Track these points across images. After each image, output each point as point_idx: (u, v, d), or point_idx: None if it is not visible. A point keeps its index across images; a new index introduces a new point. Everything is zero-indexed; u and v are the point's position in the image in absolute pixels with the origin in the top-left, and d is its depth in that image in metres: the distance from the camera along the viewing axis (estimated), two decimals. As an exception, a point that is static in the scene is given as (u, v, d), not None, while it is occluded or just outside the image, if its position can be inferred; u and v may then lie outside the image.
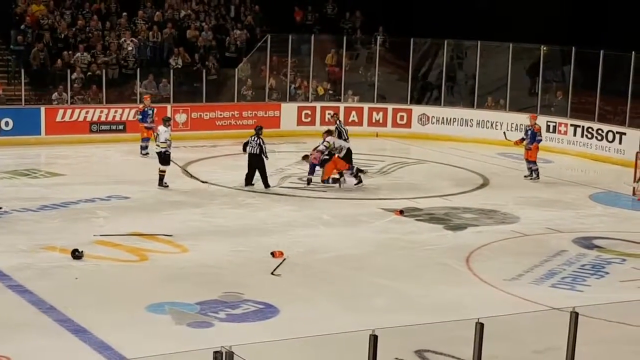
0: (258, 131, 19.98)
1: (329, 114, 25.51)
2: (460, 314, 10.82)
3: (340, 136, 21.25)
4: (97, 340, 10.87)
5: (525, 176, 22.09)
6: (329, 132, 21.01)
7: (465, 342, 7.74)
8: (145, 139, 23.19)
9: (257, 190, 19.88)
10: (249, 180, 19.96)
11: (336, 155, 20.24)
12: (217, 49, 28.50)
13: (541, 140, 22.28)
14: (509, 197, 19.93)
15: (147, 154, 22.88)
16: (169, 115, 24.10)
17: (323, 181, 20.44)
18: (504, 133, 24.91)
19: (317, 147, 20.51)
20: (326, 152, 20.25)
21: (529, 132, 22.27)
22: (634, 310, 11.68)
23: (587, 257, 15.46)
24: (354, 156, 21.21)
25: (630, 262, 15.26)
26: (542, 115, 26.54)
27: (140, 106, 23.99)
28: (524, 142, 22.20)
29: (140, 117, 23.56)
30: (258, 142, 19.76)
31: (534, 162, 22.10)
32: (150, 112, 23.61)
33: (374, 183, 20.45)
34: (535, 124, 22.35)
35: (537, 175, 21.93)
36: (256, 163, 19.81)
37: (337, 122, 22.15)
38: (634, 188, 20.51)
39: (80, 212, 17.34)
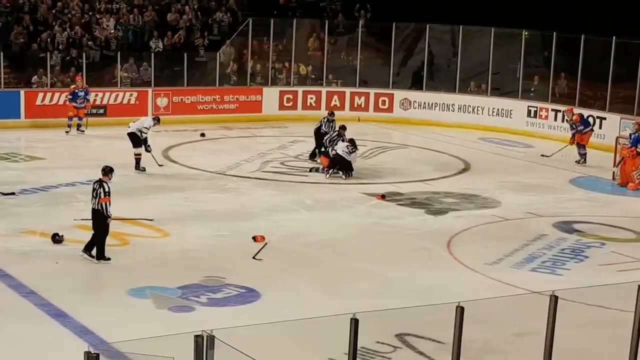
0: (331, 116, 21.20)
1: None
2: (441, 298, 10.86)
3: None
4: (78, 324, 10.86)
5: (576, 161, 22.57)
6: (343, 127, 20.68)
7: (445, 325, 7.78)
8: (72, 118, 23.85)
9: (239, 174, 19.86)
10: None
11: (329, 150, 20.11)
12: (199, 32, 28.37)
13: (582, 129, 22.70)
14: (490, 182, 20.01)
15: (83, 131, 23.88)
16: (151, 102, 24.30)
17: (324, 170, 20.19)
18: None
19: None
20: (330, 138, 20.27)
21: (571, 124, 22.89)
22: (612, 293, 11.75)
23: (567, 241, 15.55)
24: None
25: (610, 246, 15.37)
26: (523, 100, 26.70)
27: (72, 87, 24.11)
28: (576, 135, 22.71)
29: (71, 97, 23.84)
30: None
31: (584, 146, 22.67)
32: (81, 93, 23.80)
33: (355, 167, 20.41)
34: (574, 114, 22.85)
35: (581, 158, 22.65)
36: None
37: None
38: (613, 172, 20.63)
39: (61, 196, 17.28)
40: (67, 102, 23.99)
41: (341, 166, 19.73)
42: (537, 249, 14.98)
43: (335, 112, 22.85)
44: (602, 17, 26.55)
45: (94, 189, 13.24)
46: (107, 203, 13.14)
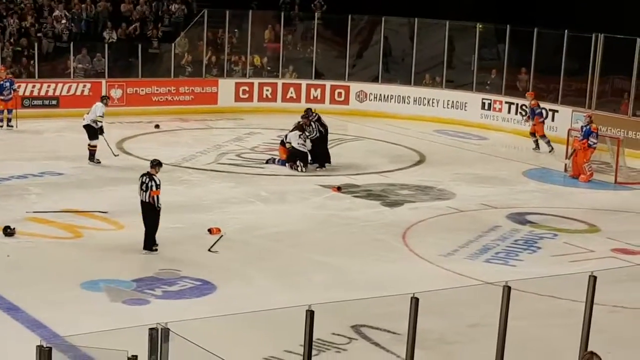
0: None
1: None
2: (397, 289, 10.91)
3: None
4: (30, 318, 10.75)
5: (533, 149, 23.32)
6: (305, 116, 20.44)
7: (401, 316, 7.81)
8: (2, 111, 22.98)
9: (194, 166, 19.77)
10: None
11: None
12: (153, 22, 28.16)
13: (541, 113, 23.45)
14: (445, 174, 20.13)
15: (12, 127, 22.87)
16: (103, 91, 23.79)
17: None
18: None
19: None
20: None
21: (528, 110, 23.53)
22: (564, 284, 11.89)
23: (520, 233, 15.71)
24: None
25: (562, 237, 15.55)
26: (477, 93, 26.88)
27: None
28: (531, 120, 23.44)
29: None
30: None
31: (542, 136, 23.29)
32: (7, 84, 22.91)
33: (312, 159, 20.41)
34: (533, 100, 23.47)
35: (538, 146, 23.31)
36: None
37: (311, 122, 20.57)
38: (565, 165, 20.85)
39: (12, 188, 17.06)
40: None
41: (300, 158, 19.73)
42: (490, 240, 15.11)
43: (291, 104, 22.73)
44: (554, 11, 26.83)
45: (142, 182, 13.52)
46: (158, 196, 13.50)
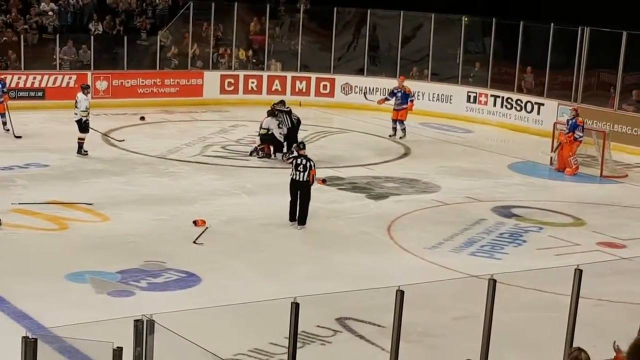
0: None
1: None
2: (382, 282, 10.93)
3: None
4: (16, 309, 10.72)
5: (390, 135, 23.20)
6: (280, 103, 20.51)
7: (386, 309, 7.82)
8: None
9: (180, 158, 19.74)
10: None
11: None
12: (139, 15, 28.06)
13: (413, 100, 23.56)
14: (430, 167, 20.16)
15: (8, 130, 21.01)
16: (88, 83, 23.61)
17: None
18: (365, 94, 25.34)
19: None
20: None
21: (399, 94, 23.31)
22: (550, 277, 11.93)
23: (506, 226, 15.75)
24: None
25: (547, 230, 15.60)
26: (462, 86, 26.92)
27: None
28: (394, 102, 23.30)
29: None
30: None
31: (402, 122, 23.32)
32: None
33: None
34: (404, 85, 23.53)
35: (405, 133, 23.24)
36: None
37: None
38: (551, 158, 20.92)
39: (-2, 180, 17.00)
40: None
41: (275, 147, 19.78)
42: (476, 233, 15.15)
43: (277, 97, 22.77)
44: (540, 4, 26.89)
45: (298, 164, 14.77)
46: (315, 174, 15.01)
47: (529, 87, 25.84)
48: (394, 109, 23.50)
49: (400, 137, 23.10)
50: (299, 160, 14.82)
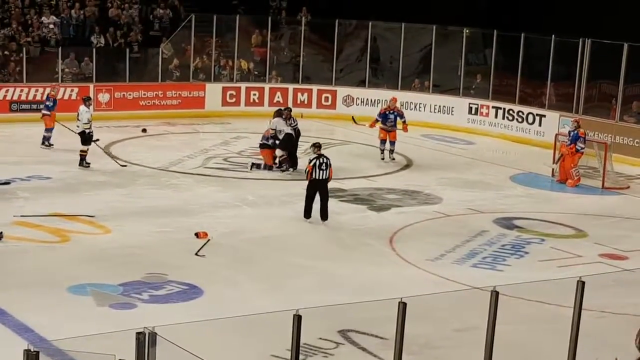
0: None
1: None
2: (384, 294, 10.89)
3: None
4: (18, 322, 10.71)
5: (382, 159, 21.84)
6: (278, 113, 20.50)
7: (388, 321, 7.82)
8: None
9: (181, 170, 19.75)
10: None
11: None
12: (140, 27, 28.10)
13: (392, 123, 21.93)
14: (432, 178, 20.16)
15: (52, 145, 21.30)
16: (90, 95, 23.61)
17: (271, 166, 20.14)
18: (353, 119, 24.70)
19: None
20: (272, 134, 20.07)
21: (392, 116, 21.98)
22: (552, 289, 11.91)
23: (508, 237, 15.73)
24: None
25: (549, 242, 15.59)
26: (464, 97, 26.95)
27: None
28: (387, 125, 21.86)
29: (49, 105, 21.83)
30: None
31: (393, 143, 21.87)
32: (50, 102, 21.84)
33: (299, 164, 20.43)
34: (396, 106, 22.38)
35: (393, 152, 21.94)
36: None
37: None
38: (552, 169, 20.91)
39: (0, 192, 16.99)
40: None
41: (290, 162, 19.89)
42: (478, 245, 15.14)
43: (280, 109, 22.73)
44: (541, 16, 26.93)
45: (321, 163, 15.44)
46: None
47: (542, 102, 25.59)
48: (386, 130, 21.93)
49: (392, 160, 21.82)
50: (321, 160, 15.47)
